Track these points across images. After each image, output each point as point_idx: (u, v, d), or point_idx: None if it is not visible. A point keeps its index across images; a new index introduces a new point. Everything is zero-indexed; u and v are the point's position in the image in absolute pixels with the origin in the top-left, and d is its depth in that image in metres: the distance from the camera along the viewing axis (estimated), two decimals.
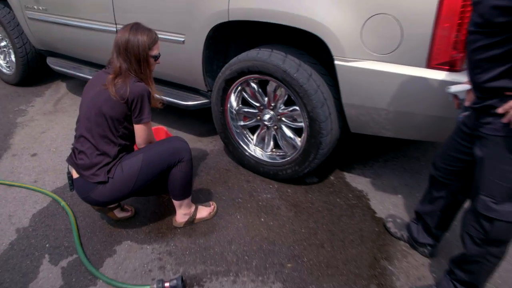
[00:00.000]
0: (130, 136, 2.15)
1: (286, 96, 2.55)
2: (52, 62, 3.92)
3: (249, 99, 2.71)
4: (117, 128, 2.07)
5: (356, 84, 2.19)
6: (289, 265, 2.11)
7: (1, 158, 3.12)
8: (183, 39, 2.73)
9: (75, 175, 2.17)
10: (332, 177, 2.84)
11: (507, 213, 1.52)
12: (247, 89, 2.67)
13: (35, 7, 3.65)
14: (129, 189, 2.11)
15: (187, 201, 2.33)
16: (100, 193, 2.10)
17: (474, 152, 1.59)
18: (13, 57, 4.31)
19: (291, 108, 2.56)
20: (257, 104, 2.69)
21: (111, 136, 2.07)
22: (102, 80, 2.08)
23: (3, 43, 4.34)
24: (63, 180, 2.84)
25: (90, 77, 3.52)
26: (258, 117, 2.73)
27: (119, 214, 2.44)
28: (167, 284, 1.94)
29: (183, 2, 2.62)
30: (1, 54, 4.46)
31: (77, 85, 4.44)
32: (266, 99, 2.64)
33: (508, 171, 1.47)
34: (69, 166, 2.20)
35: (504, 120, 1.42)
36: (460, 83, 1.83)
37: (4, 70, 4.48)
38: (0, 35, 4.33)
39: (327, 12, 2.12)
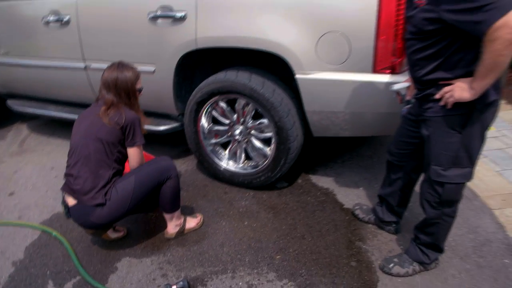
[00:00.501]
0: (122, 160, 2.36)
1: (254, 111, 2.85)
2: (14, 104, 3.99)
3: (219, 117, 2.99)
4: (112, 152, 2.28)
5: (315, 93, 2.54)
6: (278, 257, 2.38)
7: None
8: (153, 69, 2.98)
9: (71, 202, 2.33)
10: (300, 180, 3.16)
11: (453, 176, 1.90)
12: (217, 108, 2.95)
13: None
14: (125, 209, 2.30)
15: (177, 213, 2.55)
16: (98, 215, 2.27)
17: (422, 133, 1.98)
18: None
19: (258, 122, 2.87)
20: (227, 121, 2.98)
21: (107, 160, 2.27)
22: (95, 112, 2.30)
23: None
24: (48, 213, 2.95)
25: (57, 114, 3.70)
26: (229, 133, 3.01)
27: (112, 234, 2.60)
28: (174, 287, 2.15)
29: (153, 36, 2.88)
30: None
31: (40, 124, 4.51)
32: (235, 116, 2.93)
33: (449, 142, 1.85)
34: (65, 195, 2.36)
35: (441, 103, 1.81)
36: (400, 82, 2.24)
37: None
38: None
39: (286, 34, 2.47)
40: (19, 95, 4.08)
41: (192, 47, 2.78)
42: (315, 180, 3.15)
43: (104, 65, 2.50)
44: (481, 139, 1.86)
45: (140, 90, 2.42)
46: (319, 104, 2.59)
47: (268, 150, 2.91)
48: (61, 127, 4.35)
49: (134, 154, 2.35)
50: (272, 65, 2.87)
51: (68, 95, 3.63)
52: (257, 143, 2.96)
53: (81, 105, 3.67)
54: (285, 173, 2.97)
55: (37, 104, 3.91)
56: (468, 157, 1.87)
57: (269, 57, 2.67)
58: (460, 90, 1.72)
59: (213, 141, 3.09)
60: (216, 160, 3.09)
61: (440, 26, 1.68)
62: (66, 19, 3.21)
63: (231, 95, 2.80)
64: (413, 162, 2.23)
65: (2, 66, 3.80)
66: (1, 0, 3.55)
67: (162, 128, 3.19)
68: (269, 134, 2.85)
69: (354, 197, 2.92)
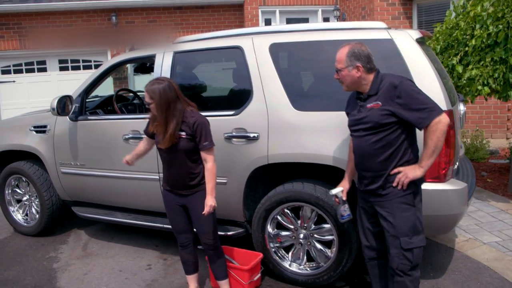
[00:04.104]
0: None
1: (316, 218, 3.25)
2: (80, 211, 4.37)
3: (285, 223, 3.37)
4: None
5: None
6: None
7: None
8: (225, 181, 3.43)
9: None
10: (355, 280, 3.45)
11: (417, 241, 2.49)
12: (283, 215, 3.35)
13: (72, 163, 4.23)
14: None
15: None
16: None
17: (382, 217, 2.54)
18: (33, 210, 4.73)
19: (319, 227, 3.26)
20: (292, 227, 3.36)
21: None
22: None
23: (25, 198, 4.77)
24: None
25: (124, 221, 4.06)
26: (293, 237, 3.37)
27: None
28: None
29: (227, 152, 3.38)
30: (20, 208, 4.85)
31: (98, 230, 4.84)
32: (299, 222, 3.32)
33: (408, 215, 2.48)
34: None
35: (399, 187, 2.45)
36: (335, 188, 2.80)
37: (22, 223, 4.81)
38: (22, 191, 4.78)
39: (345, 151, 2.99)
40: (84, 203, 4.48)
41: (264, 162, 3.28)
42: (369, 279, 3.44)
43: None
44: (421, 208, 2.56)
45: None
46: None
47: (329, 252, 3.25)
48: (119, 233, 4.70)
49: None
50: (325, 176, 3.35)
51: (139, 203, 4.04)
52: (319, 245, 3.31)
53: (148, 213, 4.07)
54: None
55: (104, 212, 4.30)
56: (420, 224, 2.51)
57: (324, 170, 3.18)
58: (412, 171, 2.43)
59: (277, 244, 3.44)
60: (281, 261, 3.41)
61: (394, 120, 2.41)
62: None
63: (297, 203, 3.23)
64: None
65: (75, 176, 4.26)
66: (86, 119, 4.14)
67: (230, 233, 3.56)
68: (330, 237, 3.22)
69: None
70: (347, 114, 2.70)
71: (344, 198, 2.78)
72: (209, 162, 2.90)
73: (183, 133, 2.84)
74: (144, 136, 3.17)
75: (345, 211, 2.77)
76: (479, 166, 6.32)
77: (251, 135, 3.31)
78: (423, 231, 2.53)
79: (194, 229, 3.13)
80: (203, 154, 2.90)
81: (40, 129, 4.46)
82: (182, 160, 2.90)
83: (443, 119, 2.36)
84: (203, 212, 2.87)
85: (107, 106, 4.85)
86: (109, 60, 4.23)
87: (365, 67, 2.50)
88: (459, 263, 3.64)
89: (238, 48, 3.50)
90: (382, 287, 2.79)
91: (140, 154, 3.17)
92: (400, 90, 2.40)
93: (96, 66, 10.04)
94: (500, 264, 3.57)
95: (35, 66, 9.99)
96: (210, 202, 2.86)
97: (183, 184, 2.95)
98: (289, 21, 9.74)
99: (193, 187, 2.96)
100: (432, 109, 2.38)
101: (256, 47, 3.43)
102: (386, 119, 2.43)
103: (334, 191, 2.78)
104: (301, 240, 3.35)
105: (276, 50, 3.38)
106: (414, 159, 2.52)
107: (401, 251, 2.49)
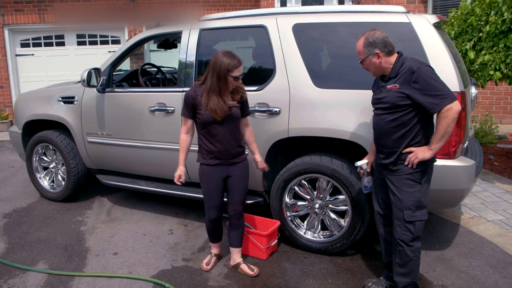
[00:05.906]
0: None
1: (331, 189, 3.48)
2: (105, 179, 4.62)
3: (302, 193, 3.59)
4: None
5: None
6: None
7: (86, 258, 3.68)
8: (247, 153, 3.64)
9: None
10: (366, 248, 3.69)
11: (420, 215, 2.69)
12: (300, 186, 3.57)
13: (98, 132, 4.47)
14: None
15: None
16: None
17: (391, 190, 2.74)
18: (59, 177, 4.99)
19: (334, 197, 3.48)
20: (308, 197, 3.59)
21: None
22: None
23: (52, 165, 5.03)
24: (154, 270, 3.45)
25: (148, 188, 4.30)
26: (309, 207, 3.60)
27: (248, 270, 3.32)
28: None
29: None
30: (47, 175, 5.12)
31: (120, 197, 5.11)
32: (315, 192, 3.54)
33: (414, 191, 2.67)
34: None
35: (409, 166, 2.65)
36: (360, 160, 3.02)
37: (48, 189, 5.08)
38: (49, 159, 5.03)
39: (361, 127, 3.22)
40: (108, 171, 4.73)
41: (284, 136, 3.49)
42: (379, 248, 3.68)
43: None
44: (429, 187, 2.75)
45: (236, 78, 3.01)
46: None
47: (342, 221, 3.48)
48: (140, 200, 4.96)
49: None
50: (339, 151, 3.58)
51: (163, 172, 4.27)
52: (333, 215, 3.54)
53: (170, 181, 4.30)
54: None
55: (128, 180, 4.55)
56: (424, 201, 2.69)
57: (341, 144, 3.41)
58: (422, 152, 2.62)
59: (293, 213, 3.67)
60: (296, 229, 3.65)
61: (409, 102, 2.58)
62: (171, 109, 3.96)
63: (315, 174, 3.44)
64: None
65: (101, 145, 4.50)
66: (113, 91, 4.35)
67: (249, 202, 3.78)
68: (343, 208, 3.45)
69: None
70: (373, 92, 2.88)
71: (368, 170, 3.00)
72: (250, 126, 3.33)
73: (235, 102, 3.12)
74: (184, 123, 3.22)
75: (368, 182, 3.00)
76: (487, 150, 6.49)
77: (273, 109, 3.51)
78: (426, 207, 2.71)
79: (225, 199, 3.33)
80: (246, 120, 3.29)
81: (68, 100, 4.68)
82: (236, 127, 3.18)
83: (455, 106, 2.51)
84: (261, 167, 3.33)
85: (131, 79, 5.06)
86: (136, 36, 4.42)
87: (383, 51, 2.65)
88: (464, 238, 3.86)
89: (262, 27, 3.67)
90: (390, 253, 3.01)
91: (187, 148, 3.28)
92: (418, 75, 2.55)
93: (113, 42, 10.20)
94: (503, 239, 3.78)
95: (54, 40, 10.16)
96: (261, 158, 3.35)
97: (235, 151, 3.20)
98: (304, 2, 9.81)
99: (241, 153, 3.25)
100: (445, 96, 2.51)
101: (280, 26, 3.60)
102: (402, 101, 2.60)
103: (359, 163, 2.99)
104: (316, 210, 3.58)
105: (298, 30, 3.55)
106: (426, 141, 2.68)
107: (404, 223, 2.70)
